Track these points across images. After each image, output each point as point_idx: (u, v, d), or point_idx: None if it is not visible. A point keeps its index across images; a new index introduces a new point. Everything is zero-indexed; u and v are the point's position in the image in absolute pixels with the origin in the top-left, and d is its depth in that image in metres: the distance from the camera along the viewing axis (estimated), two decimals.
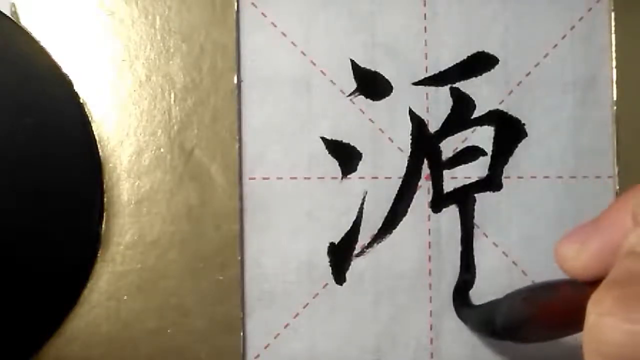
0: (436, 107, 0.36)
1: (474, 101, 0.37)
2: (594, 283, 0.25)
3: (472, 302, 0.36)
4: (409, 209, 0.36)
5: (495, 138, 0.37)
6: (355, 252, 0.36)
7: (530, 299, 0.28)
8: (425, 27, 0.37)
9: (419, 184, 0.36)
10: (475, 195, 0.36)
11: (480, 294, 0.36)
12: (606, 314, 0.22)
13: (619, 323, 0.21)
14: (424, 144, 0.36)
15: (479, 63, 0.37)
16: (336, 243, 0.36)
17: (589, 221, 0.27)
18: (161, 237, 0.34)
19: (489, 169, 0.37)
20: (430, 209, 0.36)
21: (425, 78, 0.36)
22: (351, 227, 0.36)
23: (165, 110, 0.34)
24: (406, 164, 0.36)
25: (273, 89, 0.35)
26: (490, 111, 0.37)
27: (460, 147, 0.37)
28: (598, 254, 0.25)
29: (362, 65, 0.36)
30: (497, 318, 0.31)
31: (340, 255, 0.36)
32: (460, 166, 0.36)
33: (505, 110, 0.37)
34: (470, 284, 0.36)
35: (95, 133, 0.34)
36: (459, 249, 0.36)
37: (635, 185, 0.26)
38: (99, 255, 0.34)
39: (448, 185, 0.36)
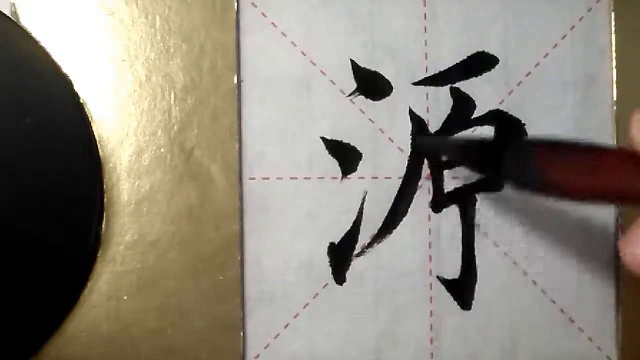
0: (436, 107, 0.36)
1: (474, 101, 0.37)
2: None
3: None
4: (409, 209, 0.36)
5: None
6: (355, 252, 0.36)
7: (566, 163, 0.25)
8: (425, 27, 0.37)
9: (420, 183, 0.36)
10: (476, 195, 0.36)
11: (480, 294, 0.36)
12: None
13: None
14: None
15: (479, 63, 0.37)
16: (336, 243, 0.36)
17: None
18: (161, 237, 0.34)
19: None
20: (430, 209, 0.36)
21: (425, 78, 0.36)
22: (351, 227, 0.36)
23: (165, 110, 0.34)
24: (406, 164, 0.36)
25: (273, 89, 0.35)
26: (490, 111, 0.37)
27: None
28: None
29: (362, 65, 0.36)
30: (507, 162, 0.27)
31: (340, 255, 0.36)
32: (461, 166, 0.36)
33: (505, 110, 0.37)
34: (471, 284, 0.36)
35: (95, 133, 0.34)
36: (460, 249, 0.36)
37: None
38: (99, 255, 0.34)
39: (448, 185, 0.36)
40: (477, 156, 0.31)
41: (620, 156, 0.25)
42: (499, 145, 0.28)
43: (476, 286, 0.36)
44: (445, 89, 0.37)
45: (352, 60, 0.36)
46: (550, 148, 0.26)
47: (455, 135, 0.36)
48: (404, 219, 0.36)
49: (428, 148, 0.34)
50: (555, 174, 0.25)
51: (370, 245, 0.36)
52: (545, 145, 0.26)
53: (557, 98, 0.37)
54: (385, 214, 0.36)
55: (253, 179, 0.35)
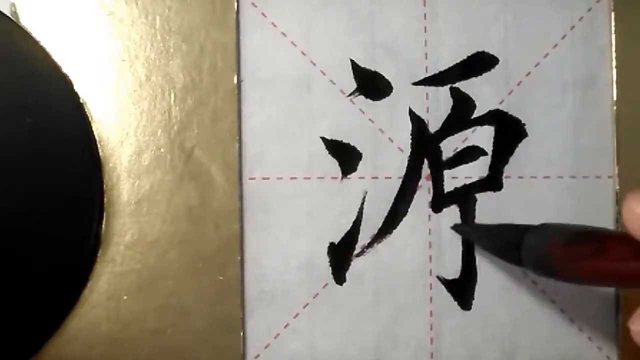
0: (436, 107, 0.36)
1: (474, 101, 0.37)
2: None
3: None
4: (410, 209, 0.36)
5: (495, 138, 0.37)
6: (355, 252, 0.36)
7: (571, 249, 0.27)
8: (425, 27, 0.37)
9: (420, 184, 0.36)
10: (476, 195, 0.36)
11: (480, 294, 0.36)
12: None
13: None
14: (424, 144, 0.36)
15: (479, 63, 0.37)
16: (336, 243, 0.36)
17: None
18: (161, 237, 0.34)
19: (490, 169, 0.37)
20: (430, 209, 0.36)
21: (425, 78, 0.36)
22: (351, 227, 0.36)
23: (165, 110, 0.34)
24: (406, 164, 0.36)
25: (273, 89, 0.35)
26: (490, 111, 0.37)
27: (461, 147, 0.37)
28: None
29: (362, 65, 0.36)
30: (525, 255, 0.30)
31: (340, 255, 0.36)
32: (461, 166, 0.36)
33: (505, 110, 0.37)
34: (472, 284, 0.36)
35: (95, 133, 0.34)
36: (460, 249, 0.36)
37: None
38: (99, 255, 0.34)
39: (448, 185, 0.36)
40: (501, 245, 0.34)
41: (618, 240, 0.27)
42: (519, 233, 0.31)
43: (476, 286, 0.36)
44: (445, 89, 0.37)
45: (352, 60, 0.36)
46: (559, 236, 0.28)
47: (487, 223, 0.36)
48: (404, 219, 0.36)
49: (464, 234, 0.36)
50: (563, 261, 0.28)
51: (370, 245, 0.36)
52: (556, 234, 0.29)
53: (557, 98, 0.37)
54: (385, 214, 0.36)
55: (253, 179, 0.35)
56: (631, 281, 0.27)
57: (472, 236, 0.36)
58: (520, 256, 0.30)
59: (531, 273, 0.36)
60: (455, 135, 0.37)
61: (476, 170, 0.37)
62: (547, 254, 0.28)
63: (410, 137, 0.36)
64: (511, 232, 0.32)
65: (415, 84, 0.36)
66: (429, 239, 0.36)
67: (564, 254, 0.28)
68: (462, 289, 0.36)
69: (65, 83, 0.34)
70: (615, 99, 0.37)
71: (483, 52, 0.37)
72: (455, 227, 0.36)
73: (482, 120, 0.37)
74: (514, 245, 0.31)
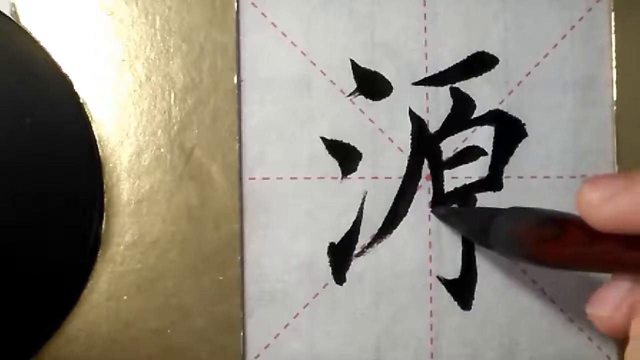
0: (436, 107, 0.36)
1: (474, 101, 0.37)
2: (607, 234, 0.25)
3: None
4: (409, 209, 0.36)
5: (495, 138, 0.37)
6: (355, 252, 0.36)
7: (535, 232, 0.28)
8: (425, 27, 0.37)
9: (419, 183, 0.36)
10: (476, 195, 0.36)
11: (480, 294, 0.36)
12: None
13: None
14: (424, 144, 0.36)
15: (479, 63, 0.37)
16: (336, 243, 0.36)
17: (620, 174, 0.27)
18: (161, 237, 0.34)
19: (490, 169, 0.37)
20: (430, 209, 0.36)
21: (425, 78, 0.36)
22: (351, 227, 0.36)
23: (165, 110, 0.34)
24: (406, 164, 0.36)
25: (273, 89, 0.35)
26: (490, 111, 0.37)
27: (461, 147, 0.37)
28: (626, 212, 0.24)
29: (362, 65, 0.36)
30: (493, 237, 0.30)
31: (340, 255, 0.36)
32: (461, 166, 0.36)
33: (505, 110, 0.37)
34: (472, 284, 0.36)
35: (95, 133, 0.34)
36: (460, 248, 0.36)
37: None
38: (99, 255, 0.34)
39: (448, 185, 0.36)
40: (472, 228, 0.34)
41: (577, 226, 0.26)
42: (490, 216, 0.31)
43: (476, 286, 0.36)
44: (445, 89, 0.37)
45: (352, 60, 0.36)
46: (526, 221, 0.29)
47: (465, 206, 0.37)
48: (404, 219, 0.36)
49: (441, 217, 0.36)
50: (528, 244, 0.28)
51: (370, 245, 0.36)
52: (523, 218, 0.29)
53: (557, 98, 0.37)
54: (385, 214, 0.36)
55: (253, 179, 0.35)
56: (588, 265, 0.28)
57: (448, 219, 0.36)
58: (489, 239, 0.31)
59: (531, 270, 0.36)
60: (455, 135, 0.37)
61: (476, 170, 0.37)
62: (513, 238, 0.29)
63: (410, 137, 0.36)
64: (482, 216, 0.32)
65: (415, 84, 0.36)
66: (429, 239, 0.36)
67: (529, 237, 0.28)
68: (462, 289, 0.36)
69: (65, 83, 0.34)
70: (615, 99, 0.37)
71: (483, 52, 0.37)
72: (434, 210, 0.36)
73: (482, 120, 0.37)
74: (485, 228, 0.31)
